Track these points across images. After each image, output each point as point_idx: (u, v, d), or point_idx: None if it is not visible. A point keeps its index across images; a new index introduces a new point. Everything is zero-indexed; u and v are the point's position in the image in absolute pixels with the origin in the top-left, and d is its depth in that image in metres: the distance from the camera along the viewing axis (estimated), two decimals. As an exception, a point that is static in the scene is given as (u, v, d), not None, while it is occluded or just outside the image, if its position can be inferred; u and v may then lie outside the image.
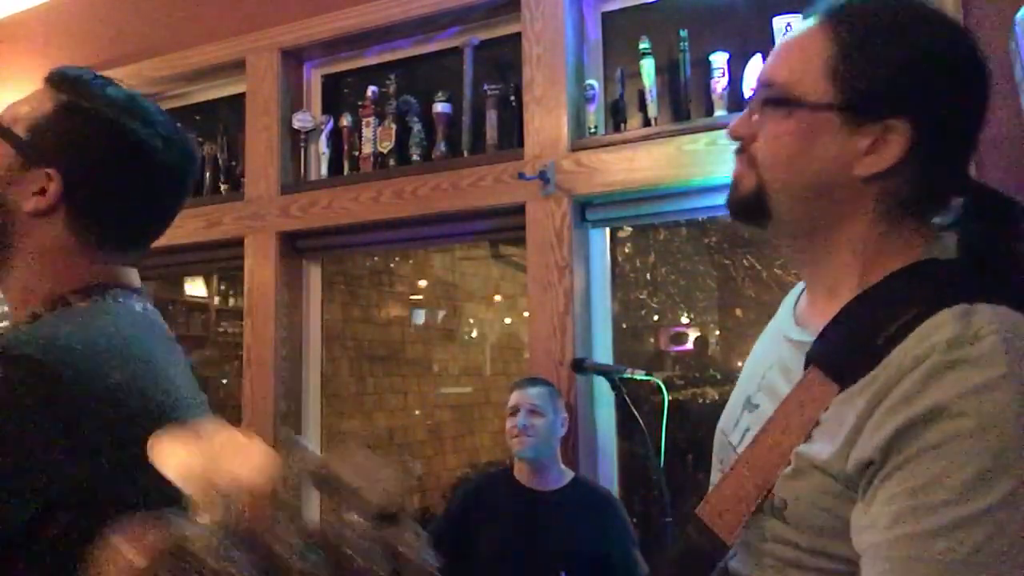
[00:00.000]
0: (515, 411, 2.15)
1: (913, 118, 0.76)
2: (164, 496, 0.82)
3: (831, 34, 0.79)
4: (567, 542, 2.05)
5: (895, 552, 0.66)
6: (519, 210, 2.45)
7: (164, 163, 1.00)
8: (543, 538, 2.07)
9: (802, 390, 0.78)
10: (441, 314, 5.10)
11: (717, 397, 3.64)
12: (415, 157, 2.71)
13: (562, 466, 2.19)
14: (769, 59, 0.86)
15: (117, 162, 0.97)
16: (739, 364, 3.71)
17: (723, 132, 2.17)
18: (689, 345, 3.85)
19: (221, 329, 4.80)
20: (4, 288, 0.97)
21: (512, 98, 2.59)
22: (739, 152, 0.86)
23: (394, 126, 2.76)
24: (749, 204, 0.85)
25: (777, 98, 0.81)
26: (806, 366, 0.80)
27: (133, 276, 1.02)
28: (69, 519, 0.81)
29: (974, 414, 0.65)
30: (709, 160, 2.19)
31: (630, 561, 2.09)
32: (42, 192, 0.94)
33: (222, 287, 4.88)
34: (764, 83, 0.84)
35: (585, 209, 2.45)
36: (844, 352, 0.76)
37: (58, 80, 0.98)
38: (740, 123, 0.86)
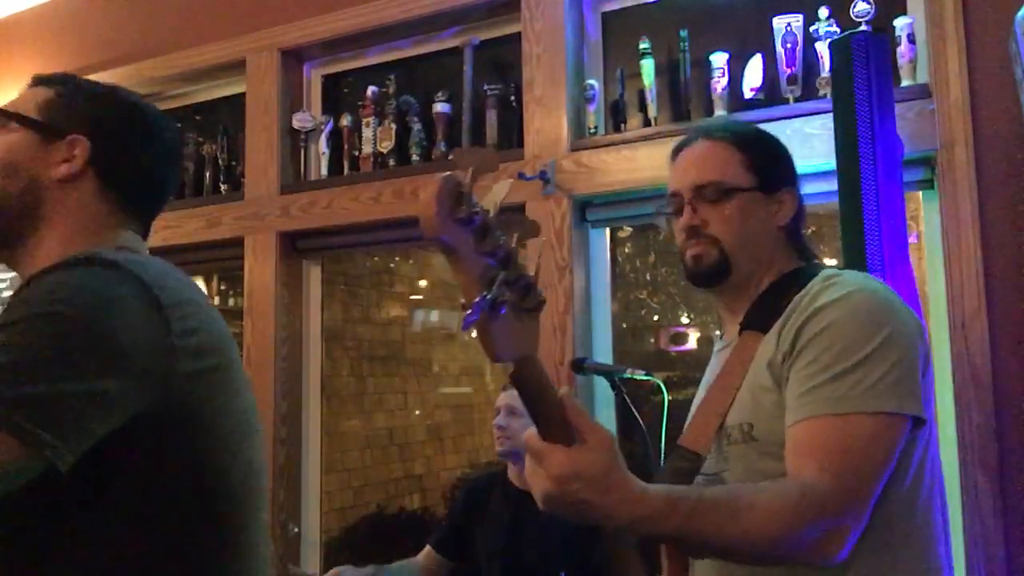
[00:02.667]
0: (498, 412, 2.16)
1: (794, 186, 1.24)
2: (235, 419, 0.97)
3: (731, 146, 1.20)
4: (552, 543, 2.04)
5: (803, 401, 1.00)
6: (519, 210, 2.45)
7: (167, 137, 1.12)
8: (529, 539, 2.07)
9: (739, 347, 1.15)
10: (440, 313, 5.10)
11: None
12: (415, 157, 2.71)
13: None
14: (686, 170, 1.22)
15: (132, 128, 1.08)
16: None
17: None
18: (689, 345, 3.85)
19: (221, 329, 4.80)
20: (40, 255, 1.02)
21: (512, 98, 2.59)
22: (692, 237, 1.19)
23: (394, 126, 2.76)
24: (717, 271, 1.19)
25: (723, 189, 1.17)
26: (740, 333, 1.17)
27: (145, 248, 1.10)
28: (151, 435, 0.88)
29: (840, 309, 1.03)
30: (709, 160, 2.19)
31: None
32: (67, 159, 1.03)
33: (222, 287, 4.88)
34: (701, 185, 1.19)
35: (585, 209, 2.45)
36: (764, 313, 1.15)
37: (44, 78, 1.09)
38: (690, 219, 1.19)
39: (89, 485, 0.86)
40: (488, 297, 0.75)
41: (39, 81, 1.10)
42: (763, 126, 2.13)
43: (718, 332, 1.35)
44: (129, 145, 1.07)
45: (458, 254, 0.76)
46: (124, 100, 1.10)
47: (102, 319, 0.85)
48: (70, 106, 1.05)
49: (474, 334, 0.76)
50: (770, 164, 1.21)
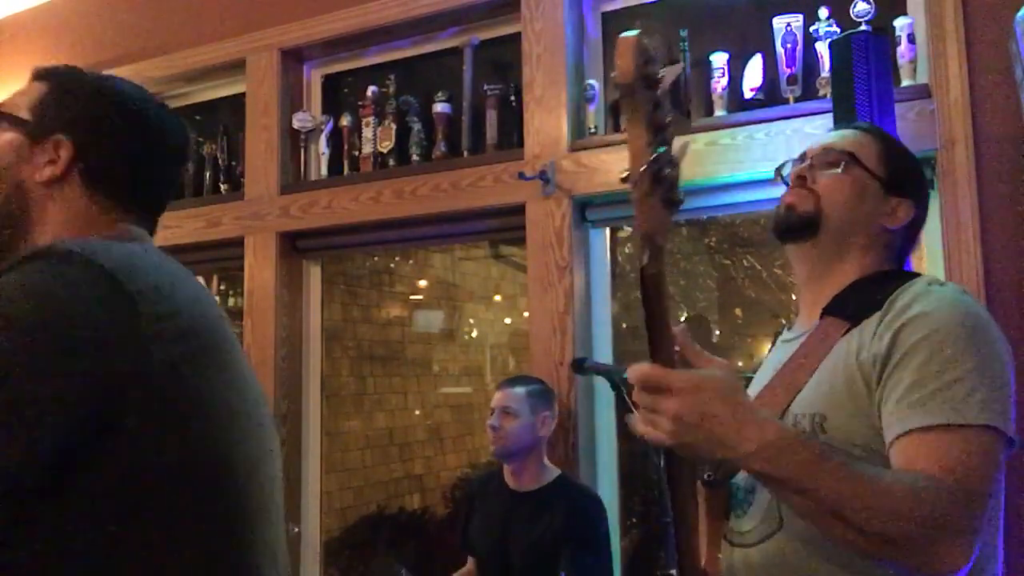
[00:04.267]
0: (492, 411, 2.16)
1: (914, 201, 1.19)
2: (232, 405, 0.91)
3: (874, 139, 1.20)
4: (543, 542, 2.04)
5: (914, 409, 0.94)
6: (519, 210, 2.45)
7: (161, 127, 1.08)
8: (514, 537, 2.09)
9: (819, 331, 1.10)
10: (441, 315, 5.10)
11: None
12: (415, 157, 2.71)
13: (548, 465, 2.17)
14: (822, 140, 1.22)
15: (121, 124, 1.03)
16: (739, 363, 3.71)
17: (723, 132, 2.19)
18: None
19: (221, 329, 4.80)
20: None
21: (512, 98, 2.59)
22: (798, 187, 1.17)
23: (394, 126, 2.76)
24: (805, 223, 1.15)
25: (846, 159, 1.16)
26: (821, 318, 1.12)
27: (148, 237, 1.06)
28: (134, 424, 0.82)
29: (945, 317, 0.99)
30: (709, 160, 2.19)
31: (603, 563, 2.06)
32: (51, 161, 1.00)
33: (222, 287, 4.88)
34: (828, 147, 1.18)
35: (585, 209, 2.45)
36: (854, 303, 1.09)
37: (43, 72, 1.06)
38: (803, 169, 1.18)
39: (76, 484, 0.81)
40: (654, 167, 0.77)
41: (38, 75, 1.07)
42: (763, 126, 2.17)
43: (784, 323, 1.30)
44: (115, 142, 1.02)
45: (637, 113, 0.77)
46: (114, 95, 1.05)
47: (56, 317, 0.80)
48: (60, 103, 1.02)
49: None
50: (902, 169, 1.18)
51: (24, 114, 1.02)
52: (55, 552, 0.81)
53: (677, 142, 0.82)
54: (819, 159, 1.18)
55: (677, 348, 0.90)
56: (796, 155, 1.23)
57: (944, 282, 1.10)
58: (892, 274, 1.14)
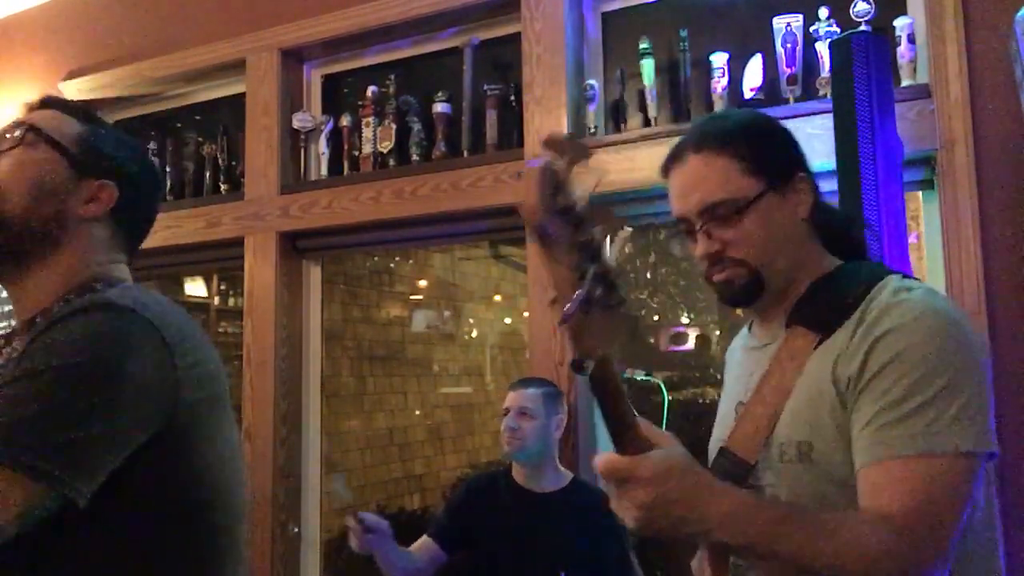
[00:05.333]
0: (507, 412, 2.15)
1: (804, 170, 1.11)
2: (226, 438, 1.08)
3: (725, 154, 1.07)
4: (562, 544, 2.04)
5: (876, 439, 0.93)
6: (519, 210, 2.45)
7: (158, 177, 1.26)
8: (539, 540, 2.06)
9: (788, 343, 1.07)
10: (441, 315, 5.10)
11: (717, 397, 3.63)
12: (415, 157, 2.71)
13: (560, 468, 2.18)
14: (685, 193, 1.11)
15: (148, 179, 1.19)
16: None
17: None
18: (689, 345, 3.85)
19: (221, 329, 4.79)
20: (41, 277, 1.08)
21: (512, 98, 2.59)
22: (715, 264, 1.09)
23: (394, 126, 2.76)
24: (750, 291, 1.09)
25: (732, 209, 1.06)
26: (787, 327, 1.08)
27: (129, 275, 1.18)
28: (158, 457, 0.97)
29: (913, 334, 0.96)
30: (709, 160, 2.19)
31: (625, 564, 2.08)
32: (92, 200, 1.10)
33: (222, 287, 4.88)
34: (706, 207, 1.07)
35: (585, 209, 2.45)
36: (822, 310, 1.05)
37: (64, 105, 1.16)
38: (707, 246, 1.09)
39: (95, 504, 0.92)
40: (582, 294, 0.74)
41: (58, 106, 1.15)
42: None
43: (746, 329, 1.25)
44: (145, 197, 1.18)
45: (555, 244, 0.75)
46: (143, 154, 1.21)
47: (116, 364, 0.93)
48: (100, 149, 1.12)
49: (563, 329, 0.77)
50: (773, 156, 1.09)
51: (69, 145, 1.10)
52: (62, 563, 0.95)
53: (604, 230, 0.78)
54: (707, 224, 1.09)
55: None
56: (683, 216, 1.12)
57: (912, 286, 1.03)
58: (853, 270, 1.09)
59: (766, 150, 1.10)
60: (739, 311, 4.03)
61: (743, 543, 0.87)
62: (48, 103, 1.15)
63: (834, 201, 1.42)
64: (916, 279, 1.09)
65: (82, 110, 1.17)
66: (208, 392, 1.04)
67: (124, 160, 1.15)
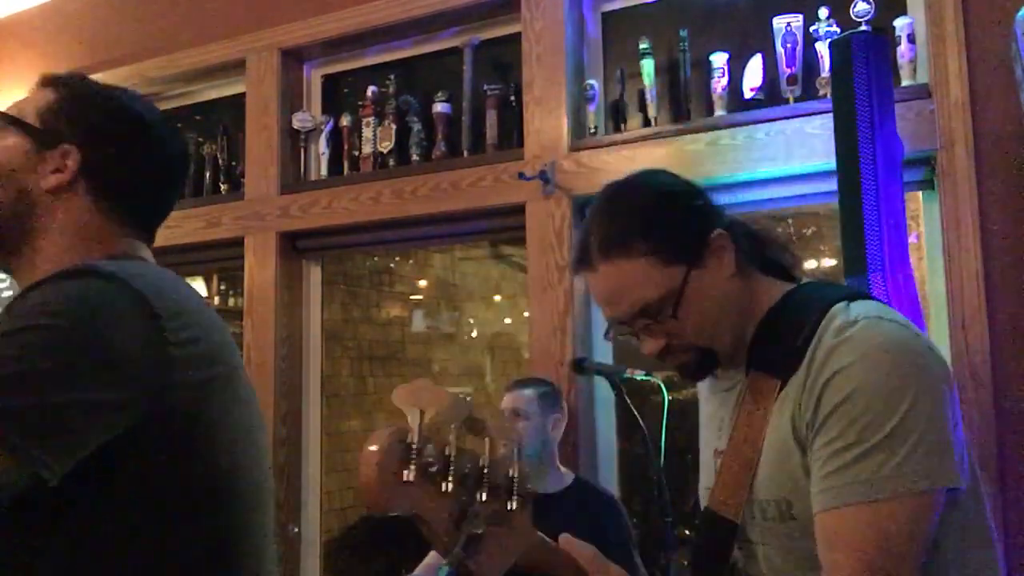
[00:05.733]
0: (502, 414, 2.14)
1: (719, 228, 1.06)
2: (238, 427, 0.97)
3: (632, 254, 1.02)
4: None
5: (825, 486, 0.93)
6: (519, 210, 2.45)
7: (169, 144, 1.10)
8: None
9: (753, 390, 1.04)
10: (441, 315, 5.10)
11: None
12: (415, 157, 2.71)
13: (561, 468, 2.18)
14: (611, 302, 1.06)
15: (129, 137, 1.05)
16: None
17: (723, 132, 2.19)
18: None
19: (221, 329, 4.80)
20: (36, 264, 1.01)
21: (512, 98, 2.59)
22: (667, 353, 1.08)
23: (394, 126, 2.76)
24: (706, 366, 1.10)
25: (661, 308, 1.03)
26: (747, 373, 1.06)
27: (149, 255, 1.09)
28: (151, 440, 0.87)
29: (860, 374, 0.93)
30: (709, 160, 2.19)
31: (630, 564, 2.08)
32: (57, 169, 1.01)
33: (222, 287, 4.87)
34: (636, 312, 1.04)
35: (585, 209, 2.45)
36: (778, 354, 1.03)
37: (51, 79, 1.06)
38: (653, 345, 1.08)
39: (85, 492, 0.86)
40: (459, 548, 0.71)
41: (46, 82, 1.07)
42: (763, 126, 2.17)
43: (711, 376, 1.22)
44: (123, 155, 1.04)
45: (421, 514, 0.71)
46: (123, 107, 1.06)
47: (94, 330, 0.84)
48: (69, 112, 1.02)
49: None
50: (681, 235, 1.04)
51: (32, 120, 1.02)
52: (60, 555, 0.87)
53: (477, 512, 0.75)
54: (644, 326, 1.07)
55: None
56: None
57: (855, 316, 0.98)
58: (797, 305, 1.06)
59: (672, 232, 1.04)
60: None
61: None
62: (40, 81, 1.07)
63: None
64: (861, 296, 1.05)
65: (67, 77, 1.06)
66: (209, 371, 0.93)
67: (91, 117, 1.03)
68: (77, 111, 1.03)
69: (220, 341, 0.98)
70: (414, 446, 0.69)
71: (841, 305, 1.01)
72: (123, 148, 1.04)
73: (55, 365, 0.82)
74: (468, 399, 0.74)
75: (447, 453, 0.71)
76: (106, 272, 0.89)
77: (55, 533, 0.86)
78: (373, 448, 0.68)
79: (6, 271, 1.06)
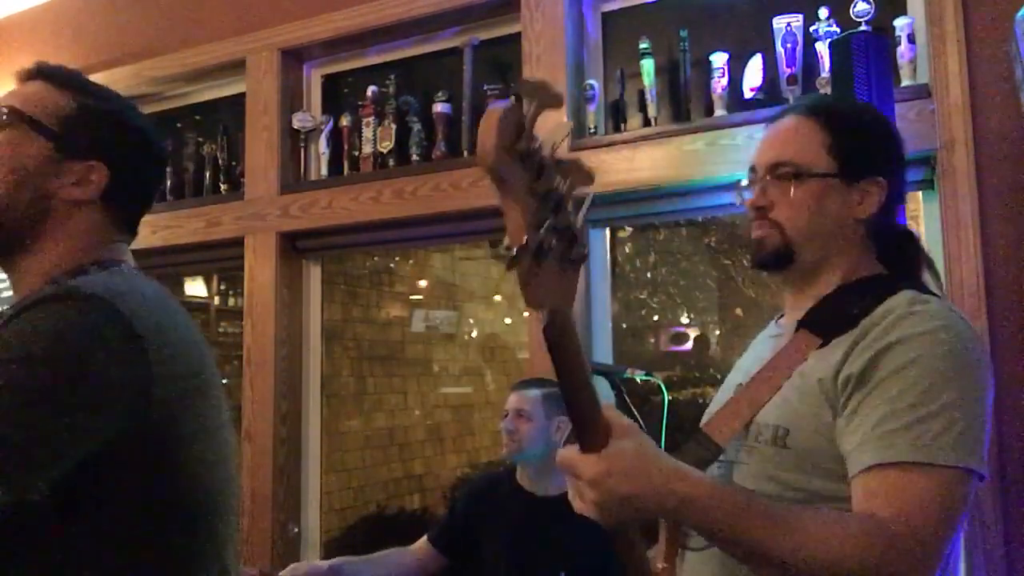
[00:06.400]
0: (506, 415, 2.14)
1: (886, 177, 1.11)
2: (211, 434, 1.00)
3: (819, 125, 1.11)
4: (567, 548, 2.03)
5: (881, 443, 0.92)
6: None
7: (163, 153, 1.17)
8: (543, 544, 2.05)
9: (792, 344, 1.08)
10: (441, 315, 5.09)
11: (717, 397, 3.61)
12: (415, 157, 2.71)
13: None
14: (767, 146, 1.15)
15: (142, 155, 1.11)
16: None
17: (723, 132, 2.19)
18: (689, 345, 3.85)
19: (221, 329, 4.80)
20: (33, 266, 1.03)
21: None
22: (761, 218, 1.13)
23: (394, 126, 2.76)
24: (779, 257, 1.12)
25: (793, 172, 1.09)
26: (797, 328, 1.10)
27: (130, 257, 1.12)
28: (130, 456, 0.91)
29: (927, 345, 0.95)
30: (709, 160, 2.19)
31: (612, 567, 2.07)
32: (80, 183, 1.04)
33: (222, 287, 4.87)
34: (775, 163, 1.11)
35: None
36: (828, 318, 1.06)
37: (63, 80, 1.06)
38: (757, 198, 1.13)
39: (64, 503, 0.88)
40: (535, 241, 0.70)
41: (48, 76, 1.07)
42: (763, 126, 2.16)
43: (774, 320, 1.27)
44: (140, 174, 1.11)
45: (510, 189, 0.71)
46: (137, 127, 1.11)
47: (75, 358, 0.87)
48: (88, 126, 1.05)
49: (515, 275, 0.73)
50: (858, 149, 1.10)
51: (53, 125, 1.03)
52: (35, 566, 0.90)
53: (571, 183, 0.75)
54: (769, 178, 1.13)
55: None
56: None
57: (928, 298, 1.03)
58: (873, 284, 1.09)
59: (857, 141, 1.11)
60: (739, 311, 4.03)
61: (708, 527, 0.87)
62: (42, 72, 1.07)
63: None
64: (935, 295, 1.08)
65: (76, 81, 1.08)
66: (186, 386, 0.97)
67: (116, 137, 1.07)
68: (99, 126, 1.06)
69: (196, 355, 1.02)
70: (526, 124, 0.71)
71: (912, 292, 1.04)
72: (139, 167, 1.10)
73: (35, 395, 0.85)
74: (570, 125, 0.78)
75: (548, 155, 0.73)
76: (86, 294, 0.91)
77: (31, 546, 0.89)
78: (495, 110, 0.70)
79: (4, 268, 1.06)
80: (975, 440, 0.93)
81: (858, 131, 1.13)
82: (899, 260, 1.15)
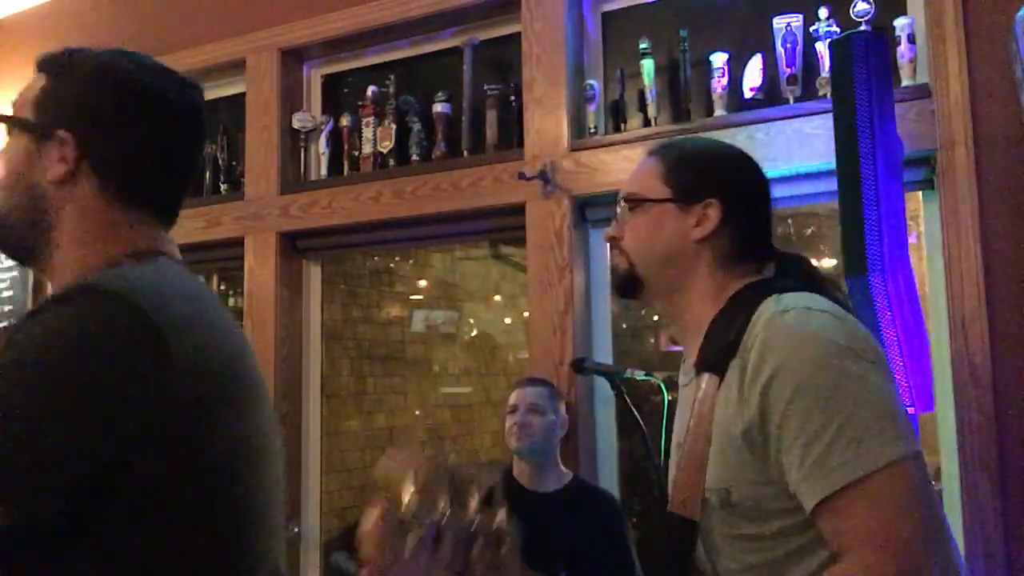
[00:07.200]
0: (514, 409, 2.15)
1: (720, 199, 1.14)
2: (234, 437, 0.92)
3: (658, 159, 1.20)
4: (565, 544, 2.04)
5: (814, 476, 0.94)
6: (519, 210, 2.45)
7: (171, 102, 1.01)
8: (541, 540, 2.06)
9: (702, 392, 1.09)
10: (442, 315, 5.09)
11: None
12: (415, 157, 2.71)
13: (562, 468, 2.19)
14: (624, 185, 1.23)
15: (124, 107, 0.97)
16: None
17: (723, 132, 2.19)
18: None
19: (221, 329, 4.80)
20: (60, 261, 0.98)
21: (512, 98, 2.59)
22: (612, 248, 1.21)
23: (394, 126, 2.76)
24: (627, 282, 1.19)
25: (633, 201, 1.19)
26: (697, 372, 1.12)
27: (174, 248, 1.04)
28: (152, 459, 0.84)
29: (799, 366, 0.97)
30: (709, 160, 2.19)
31: (627, 563, 2.08)
32: (61, 159, 0.96)
33: (222, 287, 4.87)
34: (623, 197, 1.20)
35: (585, 209, 2.45)
36: (714, 353, 1.08)
37: (43, 62, 1.02)
38: (610, 230, 1.22)
39: (74, 518, 0.84)
40: None
41: (39, 65, 1.02)
42: (763, 126, 2.17)
43: (684, 359, 1.27)
44: (120, 131, 0.97)
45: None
46: (113, 78, 0.98)
47: (88, 363, 0.82)
48: (59, 96, 0.97)
49: None
50: (691, 175, 1.17)
51: (28, 113, 0.99)
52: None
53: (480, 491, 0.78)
54: (620, 212, 1.22)
55: None
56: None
57: (785, 306, 1.03)
58: (739, 301, 1.10)
59: (691, 167, 1.18)
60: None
61: None
62: (36, 63, 1.02)
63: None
64: (791, 288, 1.08)
65: (53, 58, 1.01)
66: (213, 384, 0.90)
67: (83, 97, 0.96)
68: (64, 93, 0.97)
69: (231, 352, 0.94)
70: (405, 517, 0.71)
71: (773, 297, 1.06)
72: (118, 122, 0.96)
73: (46, 403, 0.80)
74: (447, 453, 0.77)
75: (440, 520, 0.73)
76: (105, 289, 0.85)
77: (52, 556, 0.84)
78: (369, 529, 0.72)
79: (41, 273, 1.02)
80: (892, 427, 0.94)
81: (692, 159, 1.20)
82: (781, 271, 1.17)
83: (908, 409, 1.01)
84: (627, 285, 1.20)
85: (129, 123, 0.97)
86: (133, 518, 0.85)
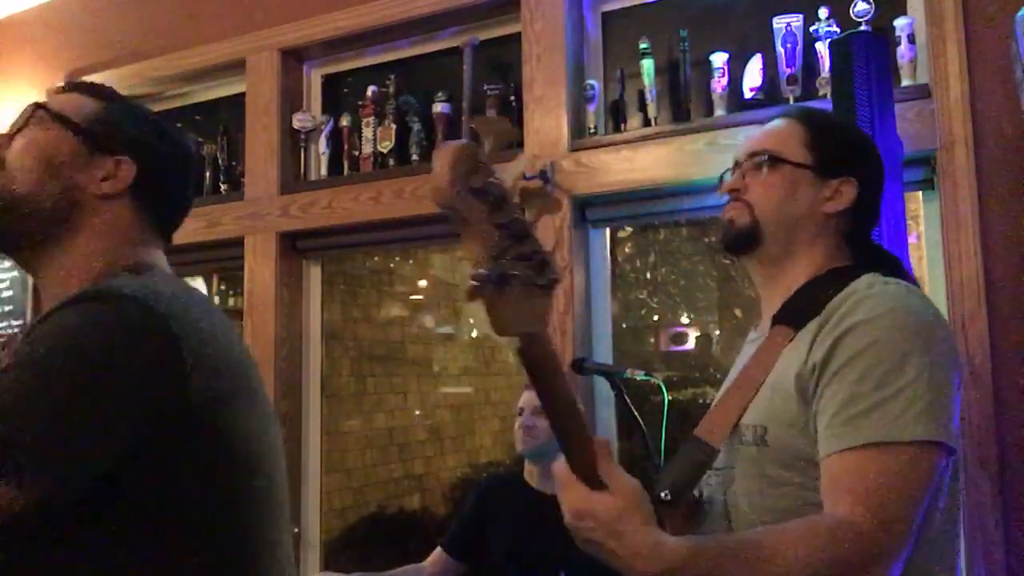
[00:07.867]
0: (521, 412, 2.15)
1: (857, 179, 1.16)
2: (251, 441, 0.99)
3: (800, 123, 1.19)
4: (564, 545, 2.03)
5: (844, 429, 0.95)
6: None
7: (187, 154, 1.17)
8: (547, 541, 2.06)
9: (769, 340, 1.12)
10: (442, 315, 5.10)
11: (717, 397, 3.61)
12: (415, 157, 2.71)
13: None
14: (749, 141, 1.22)
15: (170, 153, 1.12)
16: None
17: (723, 132, 2.19)
18: (689, 345, 3.85)
19: (221, 329, 4.80)
20: (62, 264, 1.03)
21: (512, 98, 2.59)
22: (732, 200, 1.19)
23: (394, 126, 2.76)
24: (746, 236, 1.17)
25: (769, 159, 1.16)
26: (772, 325, 1.13)
27: (164, 261, 1.13)
28: (167, 452, 0.90)
29: (885, 325, 0.98)
30: (709, 160, 2.19)
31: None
32: (109, 177, 1.05)
33: (222, 287, 4.88)
34: (753, 152, 1.18)
35: (585, 209, 2.45)
36: (797, 308, 1.10)
37: (85, 87, 1.10)
38: (732, 181, 1.20)
39: (96, 506, 0.88)
40: (496, 269, 0.71)
41: (79, 89, 1.10)
42: (762, 126, 2.16)
43: (756, 325, 1.31)
44: (169, 175, 1.11)
45: (469, 224, 0.72)
46: (167, 130, 1.14)
47: (109, 357, 0.87)
48: (118, 125, 1.07)
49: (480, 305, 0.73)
50: (835, 149, 1.16)
51: (81, 122, 1.05)
52: (79, 567, 0.89)
53: (537, 211, 0.78)
54: (747, 165, 1.19)
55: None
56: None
57: (888, 280, 1.07)
58: (840, 272, 1.12)
59: (834, 140, 1.18)
60: (739, 311, 4.03)
61: None
62: (71, 86, 1.11)
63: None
64: (897, 282, 1.09)
65: (101, 89, 1.11)
66: (223, 388, 0.95)
67: (143, 135, 1.09)
68: (128, 125, 1.08)
69: (236, 359, 1.00)
70: (482, 160, 0.74)
71: (874, 274, 1.08)
72: (168, 168, 1.11)
73: (68, 393, 0.84)
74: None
75: (508, 186, 0.75)
76: (122, 293, 0.90)
77: (67, 546, 0.88)
78: (449, 147, 0.73)
79: (25, 265, 1.06)
80: (938, 414, 0.94)
81: (836, 132, 1.20)
82: (869, 259, 1.18)
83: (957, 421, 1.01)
84: (744, 239, 1.17)
85: (175, 169, 1.13)
86: (150, 506, 0.90)
